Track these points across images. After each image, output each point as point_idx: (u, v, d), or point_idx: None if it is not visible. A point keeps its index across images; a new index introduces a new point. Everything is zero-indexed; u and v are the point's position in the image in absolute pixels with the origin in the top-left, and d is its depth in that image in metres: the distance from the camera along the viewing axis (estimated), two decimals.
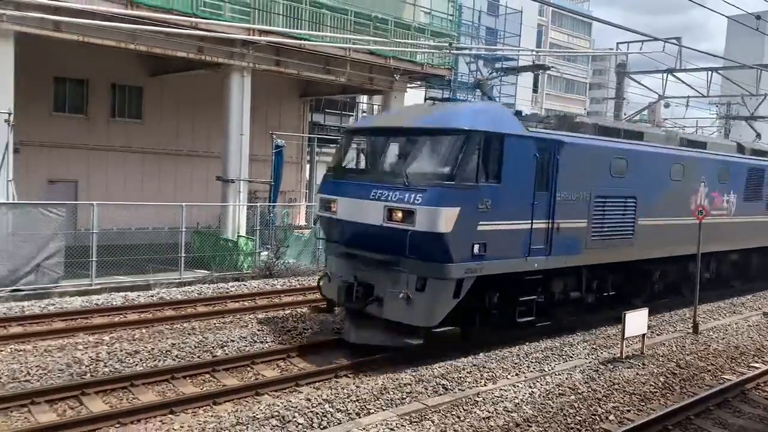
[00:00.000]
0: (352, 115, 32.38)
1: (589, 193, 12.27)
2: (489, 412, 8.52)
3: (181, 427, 7.73)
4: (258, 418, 7.92)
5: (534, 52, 31.79)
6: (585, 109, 73.29)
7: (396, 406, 8.66)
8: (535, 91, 59.87)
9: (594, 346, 12.20)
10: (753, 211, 17.81)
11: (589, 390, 9.67)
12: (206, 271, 17.27)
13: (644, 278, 14.88)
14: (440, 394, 9.17)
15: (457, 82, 27.99)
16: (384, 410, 8.46)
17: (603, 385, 9.90)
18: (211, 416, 8.10)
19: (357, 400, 8.73)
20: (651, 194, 13.85)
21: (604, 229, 12.79)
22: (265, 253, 18.75)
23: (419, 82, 26.13)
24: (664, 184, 14.21)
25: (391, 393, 9.10)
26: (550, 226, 11.49)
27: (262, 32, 18.02)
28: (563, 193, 11.70)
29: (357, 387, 9.28)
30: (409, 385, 9.48)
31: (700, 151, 15.96)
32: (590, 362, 11.04)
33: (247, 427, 7.66)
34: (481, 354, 11.22)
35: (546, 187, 11.39)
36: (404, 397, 9.00)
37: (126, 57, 20.17)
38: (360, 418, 8.18)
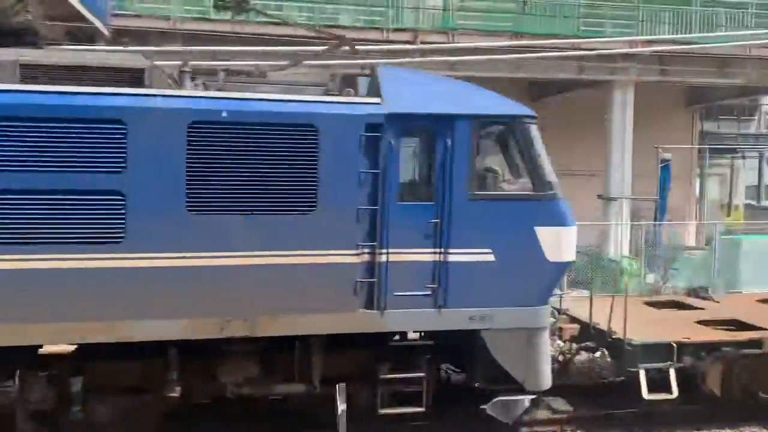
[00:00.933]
0: (754, 119, 28.53)
1: None
2: None
3: None
4: None
5: None
6: None
7: None
8: None
9: None
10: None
11: None
12: (587, 292, 17.07)
13: None
14: None
15: None
16: None
17: None
18: None
19: None
20: None
21: None
22: (652, 275, 17.69)
23: None
24: None
25: None
26: None
27: (645, 43, 17.27)
28: None
29: None
30: None
31: None
32: None
33: None
34: None
35: None
36: None
37: (510, 86, 21.41)
38: None
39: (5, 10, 10.98)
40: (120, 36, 15.01)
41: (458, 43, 15.74)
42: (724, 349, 8.06)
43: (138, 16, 15.42)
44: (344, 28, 16.11)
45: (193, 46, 14.83)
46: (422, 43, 15.97)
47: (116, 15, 15.16)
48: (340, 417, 7.12)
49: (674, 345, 7.87)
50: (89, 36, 14.52)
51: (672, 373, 7.81)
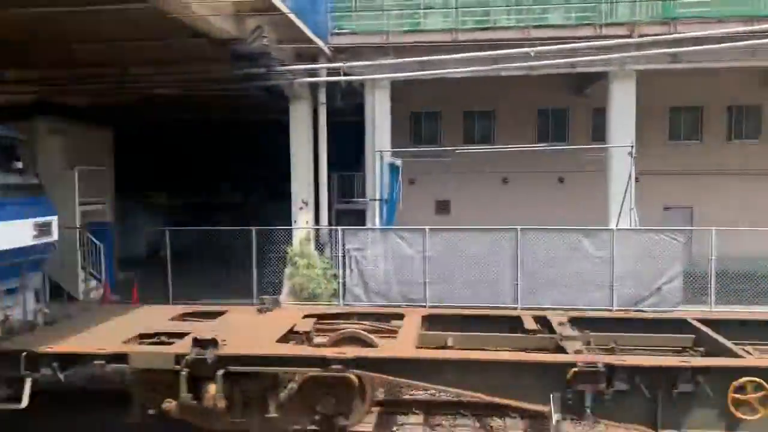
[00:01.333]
0: None
1: None
2: None
3: None
4: None
5: None
6: None
7: None
8: None
9: None
10: None
11: None
12: None
13: None
14: None
15: None
16: None
17: None
18: None
19: None
20: None
21: None
22: None
23: None
24: None
25: None
26: None
27: None
28: None
29: None
30: None
31: None
32: None
33: None
34: None
35: None
36: None
37: (742, 75, 19.35)
38: None
39: (246, 37, 12.43)
40: (338, 53, 16.16)
41: (681, 33, 14.52)
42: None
43: (354, 33, 16.43)
44: (555, 27, 15.77)
45: (405, 58, 15.48)
46: (640, 36, 14.99)
47: (335, 34, 16.32)
48: (556, 426, 7.04)
49: (23, 355, 7.57)
50: (313, 55, 15.85)
51: (27, 383, 7.63)
